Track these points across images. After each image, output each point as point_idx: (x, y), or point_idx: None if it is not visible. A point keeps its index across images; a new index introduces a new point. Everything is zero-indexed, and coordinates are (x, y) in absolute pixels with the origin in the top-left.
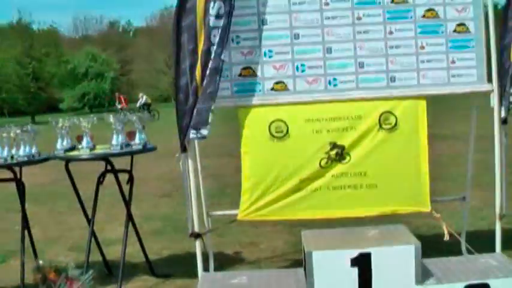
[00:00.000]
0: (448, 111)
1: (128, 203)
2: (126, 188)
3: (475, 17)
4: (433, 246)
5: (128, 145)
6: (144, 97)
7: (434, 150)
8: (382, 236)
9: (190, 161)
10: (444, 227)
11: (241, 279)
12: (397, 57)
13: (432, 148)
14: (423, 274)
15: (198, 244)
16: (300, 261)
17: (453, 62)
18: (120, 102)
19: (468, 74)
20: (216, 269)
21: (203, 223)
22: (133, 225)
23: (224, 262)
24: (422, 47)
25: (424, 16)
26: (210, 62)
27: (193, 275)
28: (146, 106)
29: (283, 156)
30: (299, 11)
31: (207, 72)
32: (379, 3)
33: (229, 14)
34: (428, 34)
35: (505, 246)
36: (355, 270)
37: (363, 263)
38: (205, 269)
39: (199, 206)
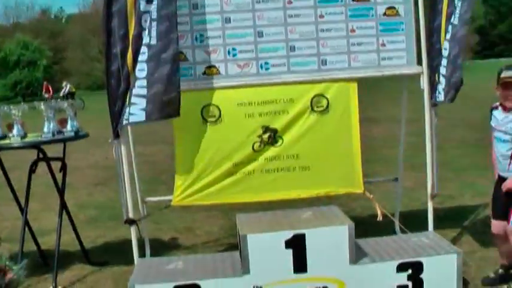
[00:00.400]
0: (383, 95)
1: (61, 192)
2: (59, 176)
3: (404, 1)
4: (367, 227)
5: (59, 132)
6: (68, 86)
7: (369, 132)
8: (316, 217)
9: (123, 148)
10: (377, 208)
11: (177, 264)
12: (328, 41)
13: (367, 131)
14: (357, 254)
15: (133, 230)
16: (235, 245)
17: (383, 44)
18: (47, 92)
19: (398, 57)
20: (152, 255)
21: (138, 210)
22: (68, 214)
23: (160, 248)
24: (353, 30)
25: (354, 0)
26: (170, 47)
27: (130, 261)
28: (70, 95)
29: (216, 140)
30: None
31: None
32: None
33: None
34: (358, 17)
35: (437, 225)
36: (290, 251)
37: (297, 244)
38: (142, 255)
39: (134, 193)
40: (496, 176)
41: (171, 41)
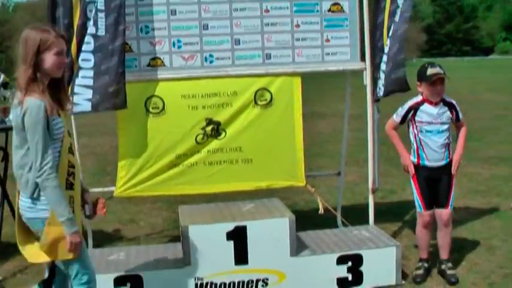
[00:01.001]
0: (330, 90)
1: (3, 182)
2: (1, 166)
3: None
4: (310, 220)
5: (1, 121)
6: (2, 76)
7: (315, 127)
8: (258, 209)
9: None
10: (319, 201)
11: (119, 255)
12: (272, 35)
13: (313, 125)
14: (298, 246)
15: None
16: (178, 237)
17: (328, 40)
18: None
19: (342, 52)
20: (94, 247)
21: None
22: (10, 204)
23: (103, 240)
24: (298, 26)
25: None
26: (117, 39)
27: None
28: (3, 86)
29: (160, 132)
30: None
31: (115, 51)
32: None
33: None
34: (303, 13)
35: (379, 219)
36: (231, 243)
37: (238, 236)
38: None
39: None
40: (412, 171)
41: (119, 33)
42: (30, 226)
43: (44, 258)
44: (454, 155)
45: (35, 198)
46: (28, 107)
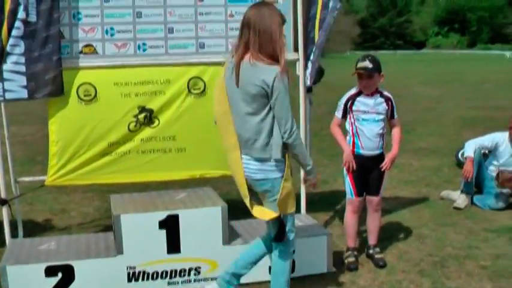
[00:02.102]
0: None
1: None
2: None
3: None
4: (242, 209)
5: None
6: None
7: None
8: (190, 198)
9: None
10: None
11: (49, 244)
12: (206, 24)
13: None
14: (230, 235)
15: (5, 211)
16: (110, 226)
17: None
18: None
19: None
20: (25, 237)
21: (12, 191)
22: None
23: (34, 230)
24: (231, 15)
25: None
26: (51, 27)
27: (1, 243)
28: None
29: (92, 120)
30: None
31: (49, 38)
32: None
33: None
34: (237, 3)
35: (310, 208)
36: (164, 232)
37: (171, 224)
38: (14, 236)
39: (7, 173)
40: (353, 167)
41: (54, 20)
42: (257, 187)
43: (270, 216)
44: (389, 153)
45: (265, 160)
46: None
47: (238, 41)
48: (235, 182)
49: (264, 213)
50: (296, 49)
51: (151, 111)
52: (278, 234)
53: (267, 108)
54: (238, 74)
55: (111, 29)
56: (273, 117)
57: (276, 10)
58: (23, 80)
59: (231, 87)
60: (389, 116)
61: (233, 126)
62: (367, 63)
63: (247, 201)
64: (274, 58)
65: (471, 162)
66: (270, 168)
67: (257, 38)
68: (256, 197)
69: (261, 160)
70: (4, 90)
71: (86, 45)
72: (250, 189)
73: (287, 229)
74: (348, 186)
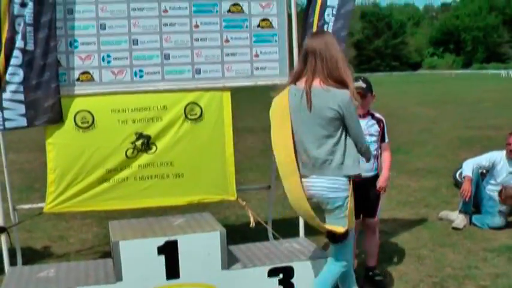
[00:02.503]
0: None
1: None
2: None
3: (278, 13)
4: (241, 234)
5: None
6: None
7: (245, 142)
8: (188, 224)
9: None
10: (250, 214)
11: (49, 272)
12: (202, 50)
13: (243, 140)
14: (229, 260)
15: (3, 239)
16: (109, 253)
17: (257, 55)
18: None
19: (271, 67)
20: (24, 264)
21: (10, 218)
22: None
23: (33, 257)
24: (227, 41)
25: (229, 11)
26: (49, 55)
27: (0, 270)
28: None
29: (89, 147)
30: (106, 2)
31: (47, 66)
32: None
33: (35, 2)
34: (233, 28)
35: (309, 232)
36: (162, 258)
37: (169, 250)
38: (13, 264)
39: (5, 200)
40: None
41: (51, 49)
42: (329, 205)
43: (341, 230)
44: (380, 178)
45: (338, 179)
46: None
47: (302, 68)
48: (293, 205)
49: (335, 228)
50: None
51: (148, 137)
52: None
53: (341, 129)
54: (311, 100)
55: (108, 56)
56: (346, 137)
57: (335, 38)
58: (22, 109)
59: (301, 113)
60: (380, 139)
61: (292, 151)
62: (361, 83)
63: (314, 222)
64: (341, 83)
65: (469, 181)
66: (342, 186)
67: (325, 65)
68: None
69: (334, 179)
70: (4, 119)
71: (83, 73)
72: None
73: (346, 245)
74: None
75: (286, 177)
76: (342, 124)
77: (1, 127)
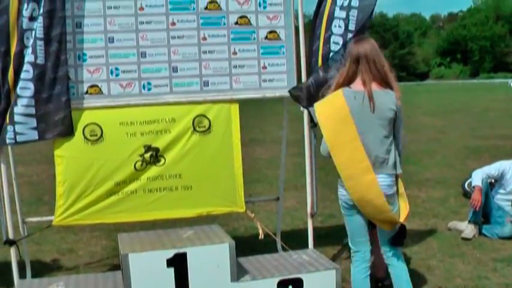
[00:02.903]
0: (269, 117)
1: None
2: None
3: (286, 25)
4: (250, 246)
5: None
6: None
7: (253, 153)
8: (197, 236)
9: (3, 167)
10: (259, 226)
11: (58, 284)
12: (210, 62)
13: (251, 152)
14: (238, 272)
15: (13, 251)
16: (118, 265)
17: (265, 67)
18: None
19: (279, 79)
20: (33, 277)
21: (19, 231)
22: None
23: (42, 270)
24: (235, 53)
25: (236, 23)
26: (59, 68)
27: (10, 283)
28: None
29: (98, 159)
30: (114, 15)
31: (58, 79)
32: (194, 9)
33: (44, 16)
34: (240, 40)
35: (318, 243)
36: (172, 270)
37: (178, 263)
38: (22, 277)
39: (14, 213)
40: None
41: (61, 62)
42: (389, 200)
43: (397, 222)
44: None
45: (393, 176)
46: None
47: (355, 71)
48: (363, 205)
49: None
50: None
51: (157, 150)
52: (400, 239)
53: (393, 129)
54: (374, 101)
55: (116, 69)
56: (394, 136)
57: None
58: (33, 122)
59: (363, 115)
60: None
61: (362, 151)
62: None
63: (389, 215)
64: (389, 85)
65: (479, 191)
66: (395, 182)
67: (378, 69)
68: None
69: (391, 176)
70: (15, 133)
71: (91, 86)
72: None
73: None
74: None
75: (355, 177)
76: (394, 124)
77: (12, 141)
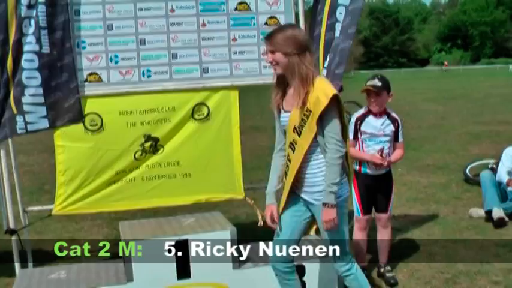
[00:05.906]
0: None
1: None
2: None
3: (286, 11)
4: (251, 232)
5: None
6: None
7: (254, 141)
8: (199, 223)
9: (3, 157)
10: (258, 213)
11: (59, 273)
12: (210, 49)
13: (252, 139)
14: (240, 258)
15: (14, 241)
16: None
17: (264, 53)
18: None
19: None
20: (35, 266)
21: (20, 220)
22: None
23: (43, 259)
24: (235, 39)
25: (236, 9)
26: (65, 56)
27: (11, 273)
28: None
29: (98, 149)
30: (113, 2)
31: (64, 67)
32: None
33: (47, 4)
34: (240, 26)
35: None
36: (173, 257)
37: (180, 250)
38: (24, 266)
39: (15, 202)
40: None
41: (66, 50)
42: None
43: None
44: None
45: None
46: None
47: None
48: None
49: None
50: None
51: (157, 139)
52: None
53: None
54: None
55: (115, 56)
56: None
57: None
58: (43, 111)
59: None
60: (394, 138)
61: None
62: (376, 82)
63: None
64: None
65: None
66: None
67: None
68: None
69: None
70: (26, 123)
71: (91, 74)
72: None
73: None
74: (355, 204)
75: None
76: None
77: (24, 131)
